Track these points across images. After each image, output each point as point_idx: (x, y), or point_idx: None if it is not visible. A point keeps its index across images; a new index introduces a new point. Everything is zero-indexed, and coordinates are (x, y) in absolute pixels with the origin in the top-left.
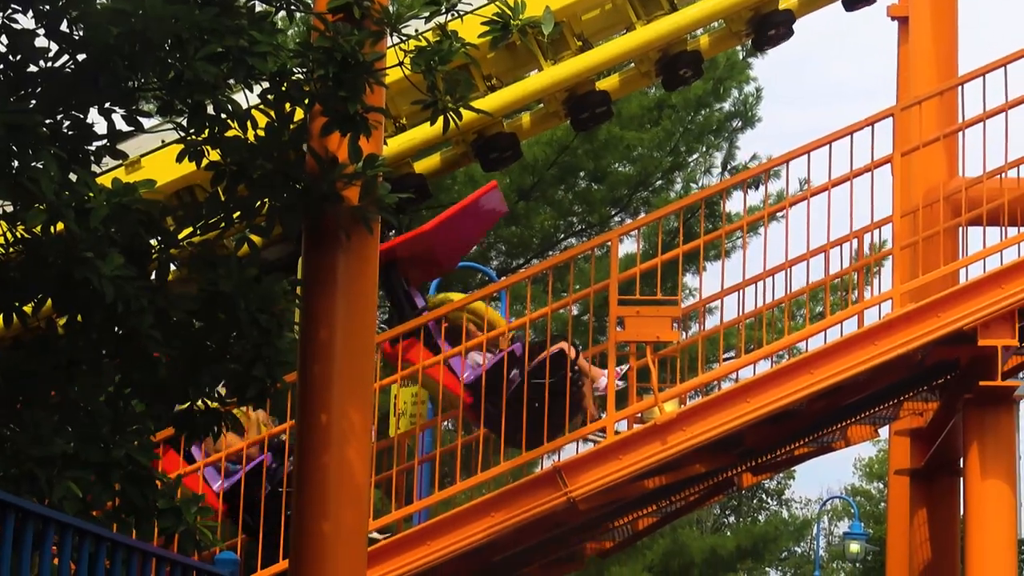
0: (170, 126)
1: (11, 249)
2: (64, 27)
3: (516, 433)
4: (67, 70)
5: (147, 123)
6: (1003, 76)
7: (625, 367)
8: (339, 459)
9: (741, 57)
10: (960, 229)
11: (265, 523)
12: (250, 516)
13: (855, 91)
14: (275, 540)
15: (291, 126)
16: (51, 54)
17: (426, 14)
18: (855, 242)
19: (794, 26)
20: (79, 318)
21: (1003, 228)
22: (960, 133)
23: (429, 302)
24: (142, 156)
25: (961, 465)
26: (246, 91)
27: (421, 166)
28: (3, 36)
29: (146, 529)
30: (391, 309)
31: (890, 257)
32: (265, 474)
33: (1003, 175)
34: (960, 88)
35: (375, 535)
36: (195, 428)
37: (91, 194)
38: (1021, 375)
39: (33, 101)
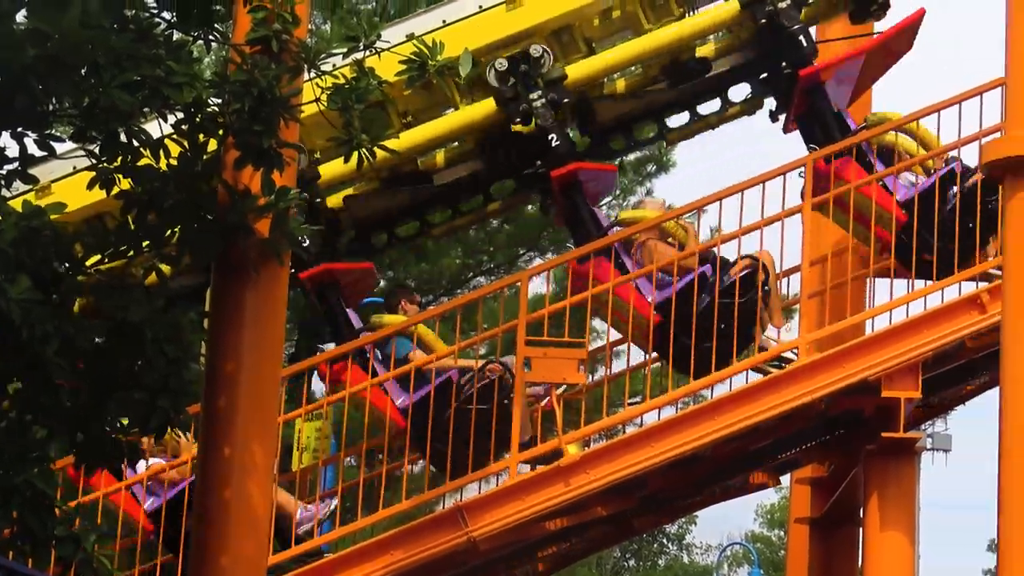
0: (82, 152)
1: None
2: None
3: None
4: None
5: (59, 148)
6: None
7: None
8: (240, 492)
9: None
10: (868, 280)
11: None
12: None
13: (771, 135)
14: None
15: (204, 157)
16: None
17: (344, 50)
18: None
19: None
20: None
21: (910, 281)
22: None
23: (868, 121)
24: (53, 182)
25: (861, 515)
26: (160, 120)
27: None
28: None
29: (44, 557)
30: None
31: (797, 306)
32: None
33: None
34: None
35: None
36: (99, 456)
37: (0, 216)
38: (923, 427)
39: None
